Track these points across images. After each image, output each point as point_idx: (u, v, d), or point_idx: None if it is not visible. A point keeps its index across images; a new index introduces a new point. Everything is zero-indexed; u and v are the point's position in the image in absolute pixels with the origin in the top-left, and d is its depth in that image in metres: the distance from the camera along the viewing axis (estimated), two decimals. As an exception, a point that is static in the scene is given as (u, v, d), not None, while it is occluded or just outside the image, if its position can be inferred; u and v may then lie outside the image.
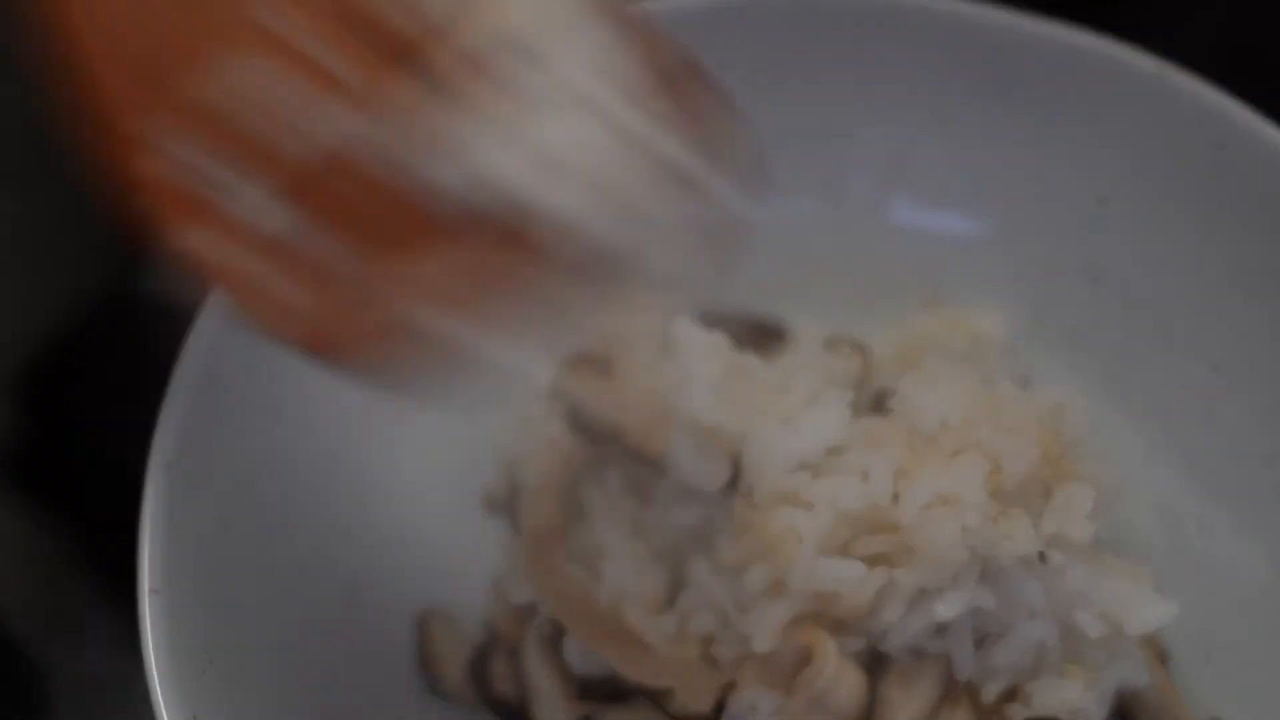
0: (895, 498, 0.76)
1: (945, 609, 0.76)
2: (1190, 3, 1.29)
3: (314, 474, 0.90)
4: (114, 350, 1.12)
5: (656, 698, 0.79)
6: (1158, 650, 0.89)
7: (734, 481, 0.80)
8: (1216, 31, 1.29)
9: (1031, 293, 1.03)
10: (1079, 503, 0.80)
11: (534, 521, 0.86)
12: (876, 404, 0.92)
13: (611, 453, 0.87)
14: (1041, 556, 0.77)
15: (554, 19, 0.63)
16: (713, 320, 0.85)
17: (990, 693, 0.79)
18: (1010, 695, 0.81)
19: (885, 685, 0.79)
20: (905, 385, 0.82)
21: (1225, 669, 0.91)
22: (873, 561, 0.76)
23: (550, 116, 0.61)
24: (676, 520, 0.83)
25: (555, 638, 0.85)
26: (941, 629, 0.78)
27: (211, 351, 0.83)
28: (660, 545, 0.85)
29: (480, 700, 0.87)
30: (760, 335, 0.98)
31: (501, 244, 0.61)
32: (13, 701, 0.97)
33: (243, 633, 0.81)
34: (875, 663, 0.79)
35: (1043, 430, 0.80)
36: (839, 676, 0.76)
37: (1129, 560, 0.87)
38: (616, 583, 0.82)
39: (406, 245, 0.62)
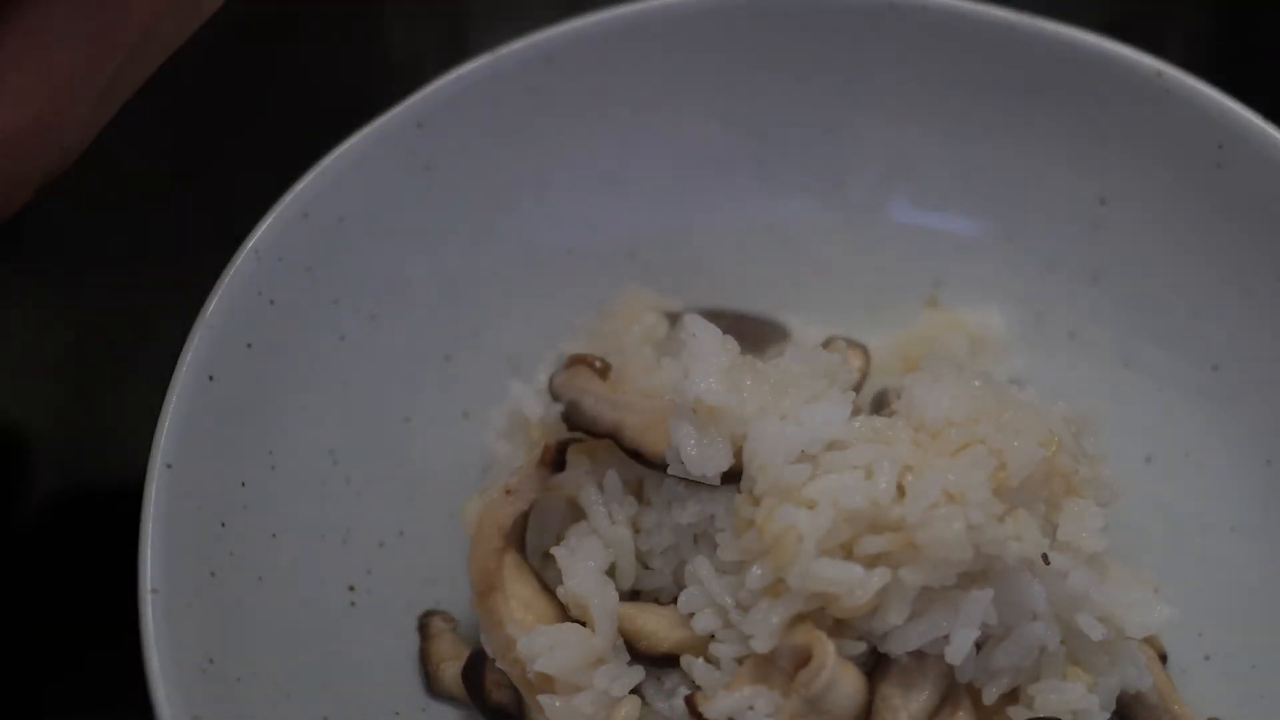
0: (900, 493, 0.76)
1: (954, 654, 0.76)
2: (1189, 3, 1.29)
3: (314, 474, 0.90)
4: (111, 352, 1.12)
5: None
6: (1157, 650, 0.89)
7: (735, 474, 0.80)
8: (1217, 31, 1.29)
9: (1031, 293, 1.03)
10: (1091, 518, 0.80)
11: (476, 569, 0.87)
12: (877, 404, 0.92)
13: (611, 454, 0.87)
14: (1044, 558, 0.77)
15: None
16: (714, 320, 0.85)
17: (991, 694, 0.79)
18: (1011, 697, 0.81)
19: (886, 686, 0.79)
20: (909, 383, 0.82)
21: (1225, 669, 0.91)
22: (874, 561, 0.76)
23: None
24: (676, 520, 0.83)
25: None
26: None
27: (211, 351, 0.83)
28: (660, 545, 0.85)
29: (474, 705, 0.87)
30: (760, 335, 0.99)
31: None
32: (13, 702, 0.97)
33: (243, 633, 0.81)
34: (876, 663, 0.79)
35: (1048, 433, 0.80)
36: (837, 677, 0.76)
37: (1129, 560, 0.87)
38: (531, 655, 0.82)
39: None
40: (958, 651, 0.76)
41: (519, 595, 0.85)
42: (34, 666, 0.99)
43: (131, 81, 0.72)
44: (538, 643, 0.82)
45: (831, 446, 0.79)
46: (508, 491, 0.87)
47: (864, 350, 0.93)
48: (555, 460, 0.86)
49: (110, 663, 0.97)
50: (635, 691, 0.84)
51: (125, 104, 0.77)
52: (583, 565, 0.84)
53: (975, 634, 0.77)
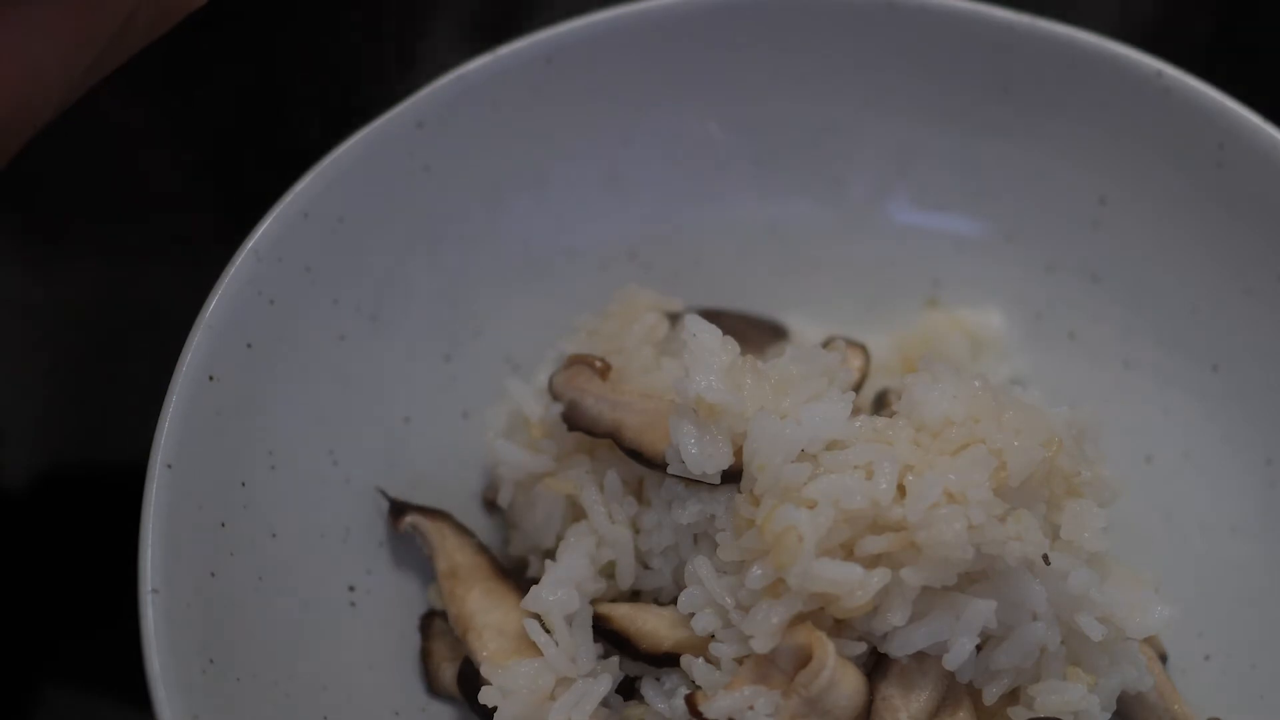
0: (900, 492, 0.76)
1: (952, 659, 0.77)
2: (1189, 3, 1.29)
3: (314, 474, 0.90)
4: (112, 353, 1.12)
5: None
6: (1156, 650, 0.89)
7: (735, 474, 0.80)
8: (1217, 31, 1.29)
9: (1031, 293, 1.03)
10: (1092, 519, 0.80)
11: (451, 617, 0.89)
12: (877, 404, 0.92)
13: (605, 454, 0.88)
14: (1045, 559, 0.77)
15: None
16: (714, 320, 0.85)
17: (992, 695, 0.79)
18: (1012, 697, 0.81)
19: (886, 686, 0.79)
20: (909, 383, 0.82)
21: (1225, 669, 0.91)
22: (875, 561, 0.76)
23: None
24: (676, 520, 0.83)
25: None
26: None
27: (211, 351, 0.83)
28: (660, 545, 0.85)
29: (469, 706, 0.87)
30: (760, 335, 0.99)
31: None
32: (13, 702, 0.98)
33: (243, 633, 0.82)
34: (876, 663, 0.79)
35: (1049, 434, 0.80)
36: (837, 677, 0.76)
37: (1129, 560, 0.87)
38: (490, 703, 0.83)
39: None
40: (956, 658, 0.77)
41: (491, 624, 0.86)
42: (34, 666, 0.99)
43: (109, 64, 0.75)
44: (491, 694, 0.83)
45: (831, 446, 0.79)
46: (428, 555, 0.90)
47: (864, 350, 0.93)
48: (395, 516, 0.91)
49: (110, 662, 0.97)
50: (633, 690, 0.84)
51: (127, 105, 0.77)
52: (553, 574, 0.85)
53: (975, 641, 0.77)
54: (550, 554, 0.88)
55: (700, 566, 0.81)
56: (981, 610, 0.76)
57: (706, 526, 0.82)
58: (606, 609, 0.84)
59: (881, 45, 0.99)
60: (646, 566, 0.86)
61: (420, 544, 0.91)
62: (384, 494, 0.92)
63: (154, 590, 0.76)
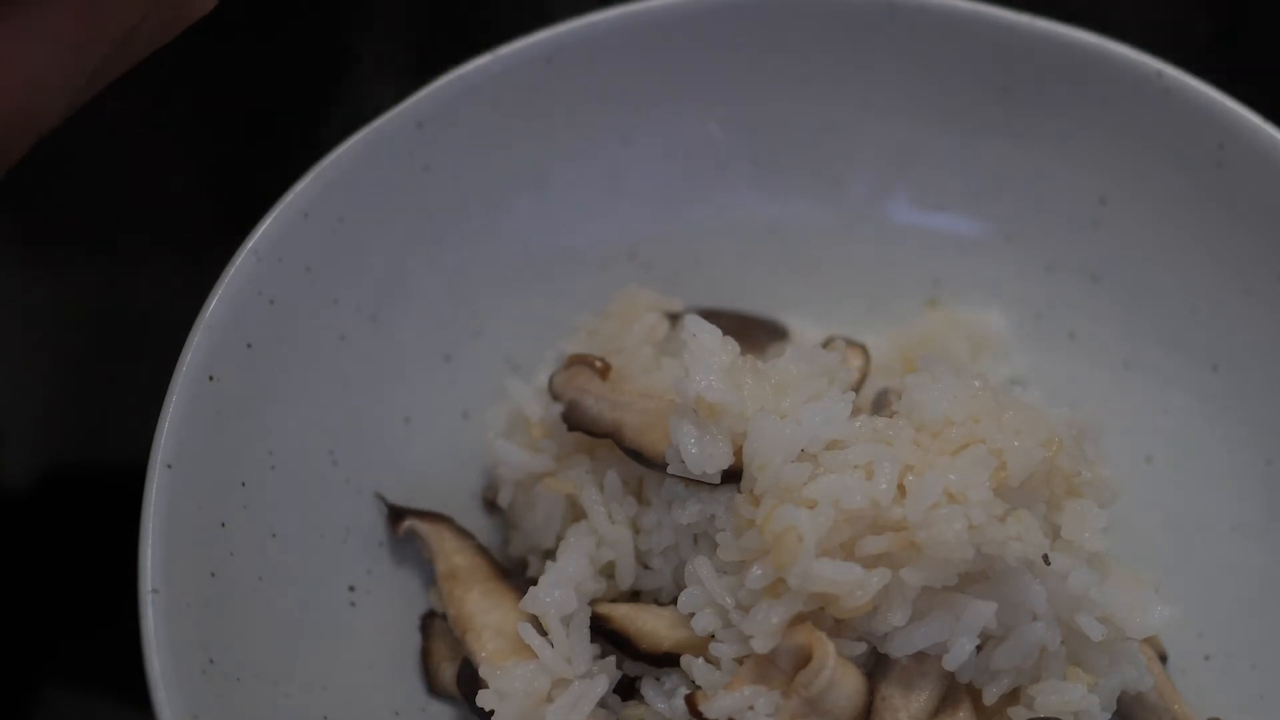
0: (901, 492, 0.76)
1: (952, 660, 0.77)
2: (1191, 3, 1.29)
3: (314, 474, 0.90)
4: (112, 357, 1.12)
5: None
6: (1156, 650, 0.89)
7: (735, 474, 0.80)
8: (1216, 31, 1.29)
9: (1031, 293, 1.03)
10: (1092, 519, 0.80)
11: (450, 618, 0.89)
12: (878, 404, 0.92)
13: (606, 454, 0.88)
14: (1045, 559, 0.77)
15: None
16: (713, 320, 0.85)
17: (992, 695, 0.79)
18: (1012, 697, 0.81)
19: (886, 686, 0.79)
20: (909, 383, 0.82)
21: (1225, 669, 0.91)
22: (875, 561, 0.76)
23: None
24: (676, 520, 0.83)
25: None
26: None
27: (212, 351, 0.83)
28: (660, 545, 0.85)
29: (469, 709, 0.87)
30: (760, 335, 0.99)
31: None
32: (12, 702, 0.98)
33: (243, 633, 0.82)
34: (876, 663, 0.79)
35: (1049, 434, 0.80)
36: (837, 677, 0.76)
37: (1130, 560, 0.87)
38: (487, 708, 0.84)
39: None
40: (956, 658, 0.77)
41: (490, 625, 0.86)
42: (34, 666, 0.99)
43: (113, 72, 0.75)
44: (488, 697, 0.83)
45: (831, 446, 0.79)
46: (428, 558, 0.90)
47: (864, 350, 0.93)
48: (393, 521, 0.91)
49: (110, 662, 0.97)
50: (633, 691, 0.84)
51: (127, 105, 0.77)
52: (552, 575, 0.84)
53: (975, 641, 0.77)
54: (550, 554, 0.88)
55: (700, 566, 0.81)
56: (981, 610, 0.76)
57: (706, 526, 0.82)
58: (606, 609, 0.84)
59: (881, 45, 0.99)
60: (646, 566, 0.86)
61: (420, 546, 0.91)
62: (382, 499, 0.92)
63: (154, 590, 0.76)
